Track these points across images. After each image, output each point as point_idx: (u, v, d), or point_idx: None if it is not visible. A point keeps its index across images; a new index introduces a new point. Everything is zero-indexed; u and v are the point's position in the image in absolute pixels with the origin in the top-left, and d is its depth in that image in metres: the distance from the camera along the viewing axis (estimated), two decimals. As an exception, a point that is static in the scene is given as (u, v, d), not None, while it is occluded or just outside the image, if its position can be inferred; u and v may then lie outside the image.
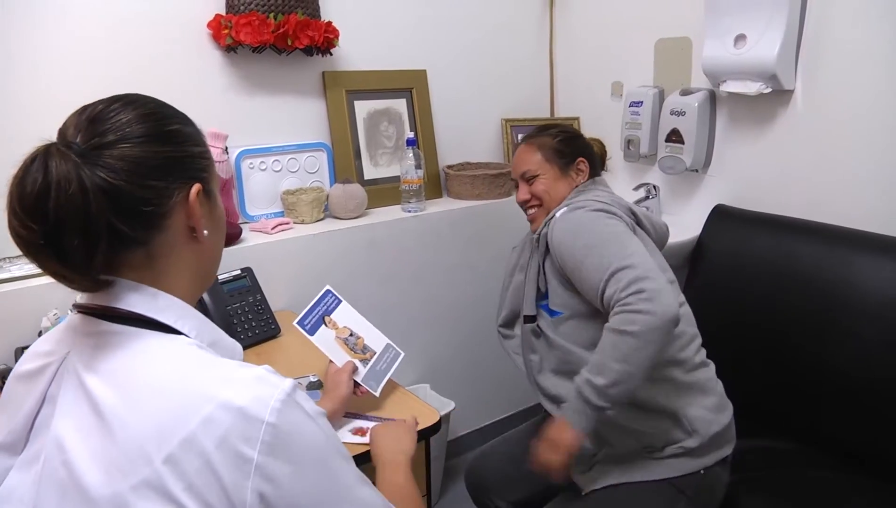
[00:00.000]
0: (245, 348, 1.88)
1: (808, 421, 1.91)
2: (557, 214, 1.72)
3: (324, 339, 1.61)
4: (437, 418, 1.56)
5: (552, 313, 1.72)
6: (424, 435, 1.54)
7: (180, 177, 0.91)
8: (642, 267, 1.52)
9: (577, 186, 1.84)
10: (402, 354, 1.71)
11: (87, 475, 0.80)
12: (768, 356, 1.97)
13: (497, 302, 2.01)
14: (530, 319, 1.78)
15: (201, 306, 1.88)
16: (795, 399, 1.91)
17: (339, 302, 1.71)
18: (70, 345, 0.90)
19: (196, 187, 0.92)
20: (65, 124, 0.88)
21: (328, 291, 1.71)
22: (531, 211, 1.88)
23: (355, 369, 1.58)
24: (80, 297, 0.92)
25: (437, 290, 2.64)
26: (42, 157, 0.80)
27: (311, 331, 1.61)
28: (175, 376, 0.83)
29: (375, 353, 1.67)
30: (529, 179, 1.85)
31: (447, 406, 2.59)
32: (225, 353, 0.92)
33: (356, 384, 1.58)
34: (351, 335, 1.66)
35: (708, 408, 1.64)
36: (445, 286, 2.66)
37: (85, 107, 0.89)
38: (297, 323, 1.61)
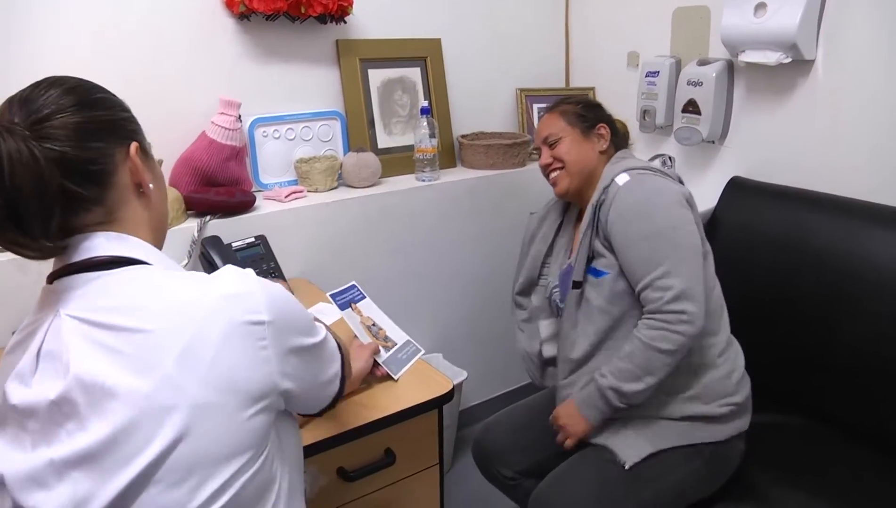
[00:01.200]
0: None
1: (818, 396, 1.90)
2: (619, 181, 1.69)
3: (352, 319, 1.64)
4: (451, 387, 1.57)
5: (597, 273, 1.71)
6: (437, 404, 1.55)
7: (117, 138, 0.99)
8: (689, 282, 1.57)
9: (601, 151, 1.84)
10: (423, 351, 1.72)
11: (125, 382, 0.86)
12: (781, 330, 1.96)
13: (514, 271, 2.05)
14: (577, 285, 1.75)
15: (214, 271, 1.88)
16: (807, 374, 1.91)
17: (363, 297, 1.74)
18: (55, 306, 0.94)
19: (134, 145, 1.01)
20: (1, 111, 0.93)
21: (353, 285, 1.74)
22: (553, 174, 1.88)
23: (378, 350, 1.60)
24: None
25: (451, 260, 2.64)
26: None
27: (343, 307, 1.66)
28: (169, 290, 0.93)
29: (397, 344, 1.68)
30: (552, 144, 1.86)
31: (460, 375, 2.60)
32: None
33: (376, 364, 1.58)
34: (374, 325, 1.68)
35: (730, 381, 1.69)
36: (459, 255, 2.66)
37: (12, 97, 0.94)
38: (331, 295, 1.66)
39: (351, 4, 2.34)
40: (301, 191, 2.32)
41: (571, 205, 1.99)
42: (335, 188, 2.41)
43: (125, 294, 0.92)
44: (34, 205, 0.86)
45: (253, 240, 2.04)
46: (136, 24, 2.06)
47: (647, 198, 1.66)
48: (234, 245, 1.98)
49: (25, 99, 0.92)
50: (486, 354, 2.85)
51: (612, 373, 1.62)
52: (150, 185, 1.04)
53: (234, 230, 2.05)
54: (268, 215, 2.17)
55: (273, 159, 2.38)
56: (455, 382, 2.33)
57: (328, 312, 1.85)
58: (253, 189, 2.31)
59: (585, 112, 1.88)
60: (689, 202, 1.71)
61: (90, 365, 0.87)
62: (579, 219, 1.92)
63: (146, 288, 0.93)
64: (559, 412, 1.75)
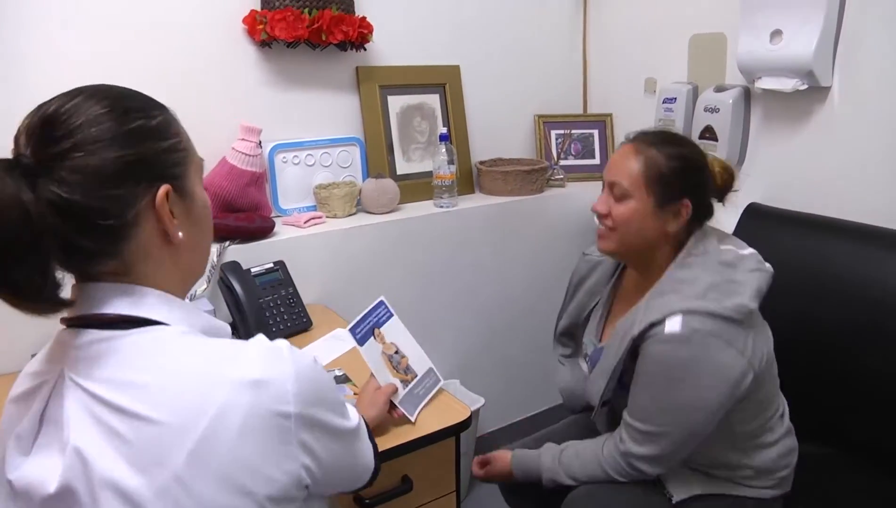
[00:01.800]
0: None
1: (842, 425, 1.88)
2: (669, 327, 1.42)
3: (371, 352, 1.54)
4: (468, 414, 1.56)
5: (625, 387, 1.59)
6: (455, 431, 1.54)
7: (144, 180, 0.85)
8: (666, 453, 1.50)
9: (668, 232, 1.55)
10: (442, 381, 1.65)
11: (126, 478, 0.78)
12: (801, 357, 1.94)
13: (532, 297, 2.01)
14: (605, 402, 1.64)
15: (233, 298, 1.90)
16: (828, 402, 1.89)
17: (391, 315, 1.63)
18: (61, 362, 0.86)
19: (163, 190, 0.86)
20: (19, 129, 0.82)
21: (381, 302, 1.63)
22: (602, 227, 1.62)
23: (395, 391, 1.52)
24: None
25: (469, 286, 2.64)
26: None
27: (362, 342, 1.55)
28: (183, 365, 0.83)
29: (417, 376, 1.60)
30: (615, 194, 1.57)
31: (477, 402, 2.59)
32: (217, 335, 0.93)
33: (392, 405, 1.51)
34: (396, 352, 1.59)
35: (781, 462, 1.64)
36: (477, 282, 2.66)
37: (40, 107, 0.83)
38: (350, 330, 1.55)
39: (371, 32, 2.37)
40: (320, 217, 2.33)
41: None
42: (354, 214, 2.43)
43: (135, 367, 0.83)
44: (25, 270, 0.76)
45: (272, 265, 2.05)
46: (158, 51, 2.09)
47: (686, 367, 1.43)
48: (253, 270, 2.00)
49: (48, 120, 0.81)
50: (503, 380, 2.85)
51: (560, 464, 1.64)
52: (180, 233, 0.90)
53: (253, 255, 2.06)
54: (287, 241, 2.18)
55: (292, 185, 2.40)
56: (472, 409, 2.32)
57: (345, 337, 1.80)
58: (272, 214, 2.33)
59: (673, 176, 1.52)
60: (739, 380, 1.44)
61: (92, 450, 0.80)
62: (623, 271, 1.80)
63: (160, 363, 0.83)
64: (489, 456, 1.83)
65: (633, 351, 1.50)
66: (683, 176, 1.53)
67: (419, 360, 1.64)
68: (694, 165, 1.56)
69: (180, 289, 0.95)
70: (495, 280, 2.71)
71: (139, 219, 0.85)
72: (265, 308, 1.96)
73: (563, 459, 1.65)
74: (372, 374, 1.52)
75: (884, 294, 1.79)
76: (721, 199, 1.63)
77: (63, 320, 0.87)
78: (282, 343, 0.89)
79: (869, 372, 1.79)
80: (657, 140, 1.57)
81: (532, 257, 2.76)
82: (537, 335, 2.76)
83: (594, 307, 1.82)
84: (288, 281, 2.06)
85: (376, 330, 1.58)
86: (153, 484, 0.78)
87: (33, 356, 0.94)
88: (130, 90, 0.90)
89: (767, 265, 1.58)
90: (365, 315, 1.58)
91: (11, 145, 0.83)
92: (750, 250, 1.60)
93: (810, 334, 1.93)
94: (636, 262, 1.66)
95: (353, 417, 1.01)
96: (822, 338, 1.90)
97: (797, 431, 1.69)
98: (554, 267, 2.80)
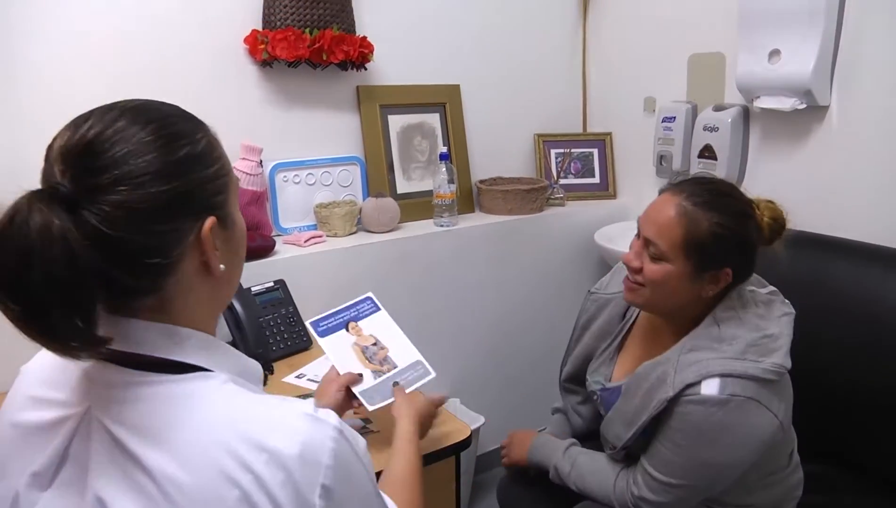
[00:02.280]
0: (276, 360, 1.93)
1: (843, 444, 1.88)
2: (705, 390, 1.36)
3: (336, 344, 1.52)
4: (469, 433, 1.56)
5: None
6: (455, 451, 1.54)
7: (190, 214, 0.80)
8: (685, 499, 1.47)
9: (703, 296, 1.46)
10: (433, 374, 1.53)
11: None
12: (800, 377, 1.93)
13: (531, 315, 1.98)
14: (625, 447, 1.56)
15: (234, 317, 1.90)
16: (828, 421, 1.88)
17: (377, 310, 1.62)
18: (89, 397, 0.81)
19: (209, 222, 0.81)
20: (52, 149, 0.76)
21: (368, 298, 1.63)
22: (631, 281, 1.52)
23: (356, 380, 1.45)
24: None
25: (469, 305, 2.64)
26: (24, 214, 0.68)
27: (324, 334, 1.53)
28: (223, 425, 0.77)
29: (396, 368, 1.52)
30: (652, 255, 1.46)
31: (477, 420, 2.58)
32: (251, 379, 0.89)
33: (354, 395, 1.45)
34: (375, 344, 1.56)
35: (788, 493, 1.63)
36: (477, 300, 2.66)
37: (77, 126, 0.76)
38: (311, 322, 1.54)
39: (372, 51, 2.38)
40: (320, 236, 2.34)
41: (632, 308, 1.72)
42: (354, 233, 2.43)
43: (170, 420, 0.77)
44: (63, 312, 0.69)
45: (272, 284, 2.06)
46: (160, 69, 2.11)
47: (720, 430, 1.37)
48: (253, 289, 2.00)
49: (88, 147, 0.74)
50: (504, 399, 2.84)
51: (574, 467, 1.64)
52: (222, 266, 0.84)
53: (253, 274, 2.05)
54: (287, 260, 2.19)
55: (293, 204, 2.41)
56: (473, 427, 2.32)
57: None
58: (273, 233, 2.33)
59: (716, 245, 1.41)
60: (769, 441, 1.41)
61: (115, 505, 0.75)
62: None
63: (197, 420, 0.77)
64: (514, 434, 1.85)
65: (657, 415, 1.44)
66: (726, 243, 1.42)
67: (404, 352, 1.57)
68: (741, 233, 1.44)
69: (212, 322, 0.90)
70: (495, 298, 2.70)
71: (183, 256, 0.80)
72: (265, 326, 1.97)
73: (576, 465, 1.64)
74: (332, 366, 1.49)
75: (883, 311, 1.79)
76: (771, 242, 1.51)
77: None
78: (332, 417, 0.82)
79: (869, 389, 1.79)
80: (703, 199, 1.43)
81: (532, 276, 2.76)
82: (537, 353, 2.76)
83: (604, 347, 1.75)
84: (288, 299, 2.06)
85: (351, 324, 1.58)
86: None
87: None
88: (173, 108, 0.84)
89: (788, 304, 1.55)
90: (340, 310, 1.58)
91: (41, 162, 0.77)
92: (770, 288, 1.58)
93: (809, 352, 1.92)
94: (664, 315, 1.58)
95: None
96: (822, 356, 1.89)
97: (801, 449, 1.68)
98: (554, 286, 2.80)
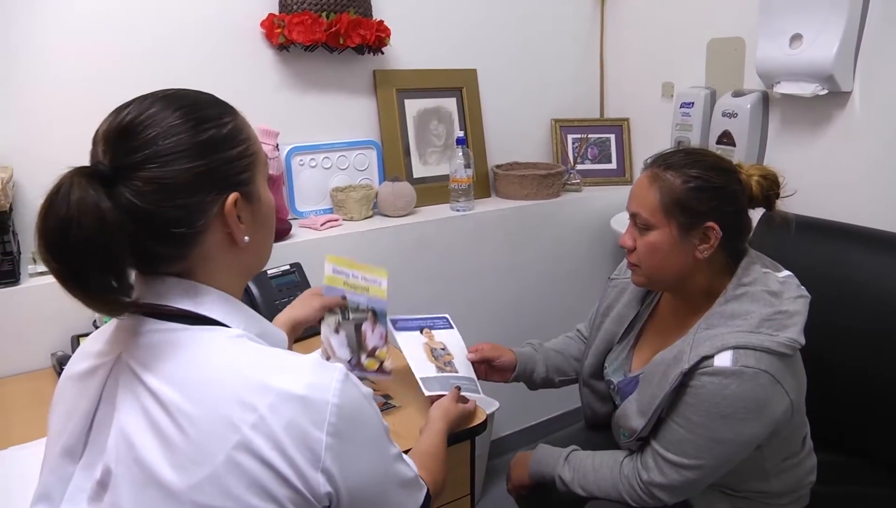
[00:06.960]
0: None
1: (859, 434, 1.86)
2: (718, 362, 1.36)
3: (409, 339, 1.66)
4: (484, 417, 1.57)
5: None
6: (470, 434, 1.54)
7: (215, 189, 0.89)
8: (688, 483, 1.45)
9: (700, 259, 1.45)
10: (481, 395, 1.63)
11: (163, 470, 0.82)
12: (818, 366, 1.92)
13: (547, 300, 1.97)
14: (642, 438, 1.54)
15: (250, 299, 1.91)
16: (846, 411, 1.86)
17: (451, 328, 1.78)
18: (122, 346, 0.91)
19: (232, 197, 0.90)
20: (97, 134, 0.87)
21: (445, 317, 1.78)
22: (632, 264, 1.55)
23: (339, 303, 1.56)
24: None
25: (484, 289, 2.64)
26: (66, 187, 0.79)
27: (400, 330, 1.67)
28: (232, 368, 0.86)
29: (457, 373, 1.65)
30: (640, 228, 1.49)
31: (492, 405, 2.58)
32: (272, 342, 0.95)
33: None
34: (443, 349, 1.69)
35: (802, 479, 1.62)
36: (492, 285, 2.66)
37: (118, 112, 0.87)
38: (390, 318, 1.64)
39: (388, 36, 2.37)
40: (336, 220, 2.34)
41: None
42: (370, 217, 2.43)
43: (188, 364, 0.86)
44: (100, 273, 0.81)
45: (288, 267, 2.06)
46: (176, 54, 2.11)
47: (733, 403, 1.35)
48: (269, 272, 2.00)
49: (126, 129, 0.85)
50: (518, 384, 2.84)
51: (577, 472, 1.62)
52: (246, 237, 0.93)
53: (270, 257, 2.06)
54: (303, 243, 2.19)
55: (309, 188, 2.41)
56: (488, 412, 2.32)
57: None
58: (289, 217, 2.33)
59: (693, 199, 1.42)
60: (780, 419, 1.41)
61: (137, 438, 0.84)
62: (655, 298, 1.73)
63: (213, 363, 0.86)
64: (512, 461, 1.82)
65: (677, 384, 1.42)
66: (703, 195, 1.42)
67: (465, 367, 1.71)
68: (714, 184, 1.44)
69: (239, 286, 0.99)
70: (511, 283, 2.70)
71: (208, 225, 0.89)
72: (281, 309, 1.96)
73: (578, 468, 1.63)
74: (318, 288, 1.59)
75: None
76: (769, 208, 1.54)
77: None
78: (339, 366, 0.90)
79: (888, 380, 1.78)
80: (673, 162, 1.46)
81: (548, 261, 2.75)
82: (553, 338, 2.75)
83: (622, 335, 1.74)
84: (304, 283, 2.06)
85: (426, 329, 1.73)
86: (189, 480, 0.81)
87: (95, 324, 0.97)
88: (204, 95, 0.93)
89: (804, 289, 1.53)
90: (416, 317, 1.72)
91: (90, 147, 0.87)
92: (786, 272, 1.57)
93: (828, 341, 1.91)
94: (673, 291, 1.59)
95: (411, 467, 1.03)
96: (840, 346, 1.88)
97: (813, 438, 1.68)
98: (570, 271, 2.80)
